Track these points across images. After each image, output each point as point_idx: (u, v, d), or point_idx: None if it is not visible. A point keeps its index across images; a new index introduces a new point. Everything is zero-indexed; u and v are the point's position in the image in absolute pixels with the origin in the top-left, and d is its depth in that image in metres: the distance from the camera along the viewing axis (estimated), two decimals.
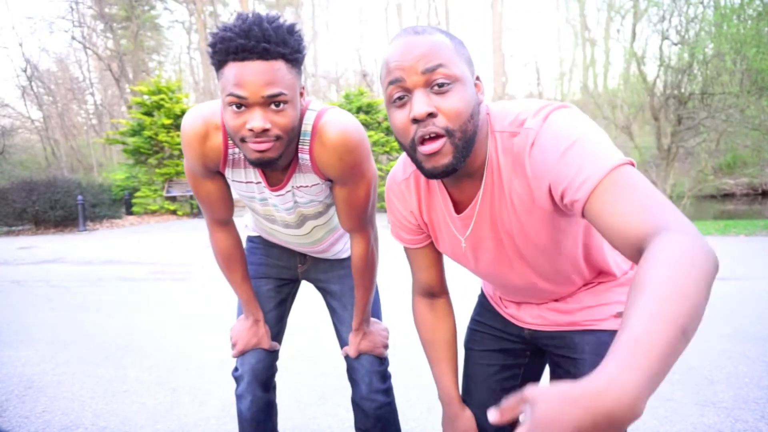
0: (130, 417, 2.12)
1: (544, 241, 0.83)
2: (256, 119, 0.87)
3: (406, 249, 1.04)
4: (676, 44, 11.88)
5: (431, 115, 0.71)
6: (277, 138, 0.91)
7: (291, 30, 0.90)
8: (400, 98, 0.74)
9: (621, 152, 0.69)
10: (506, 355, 1.11)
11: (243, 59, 0.85)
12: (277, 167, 1.05)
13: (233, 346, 1.29)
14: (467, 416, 1.08)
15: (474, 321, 1.18)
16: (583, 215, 0.68)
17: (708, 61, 10.62)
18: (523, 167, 0.76)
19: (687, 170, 12.54)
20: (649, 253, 0.54)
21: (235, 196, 1.21)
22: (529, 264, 0.89)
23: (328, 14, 36.00)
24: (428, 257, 1.03)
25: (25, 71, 23.23)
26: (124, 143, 13.26)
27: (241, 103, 0.87)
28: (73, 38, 22.77)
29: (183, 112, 13.00)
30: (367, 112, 12.39)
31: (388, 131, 12.50)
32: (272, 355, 1.34)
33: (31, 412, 2.19)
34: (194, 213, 12.87)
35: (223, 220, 1.21)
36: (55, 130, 25.10)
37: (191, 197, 12.97)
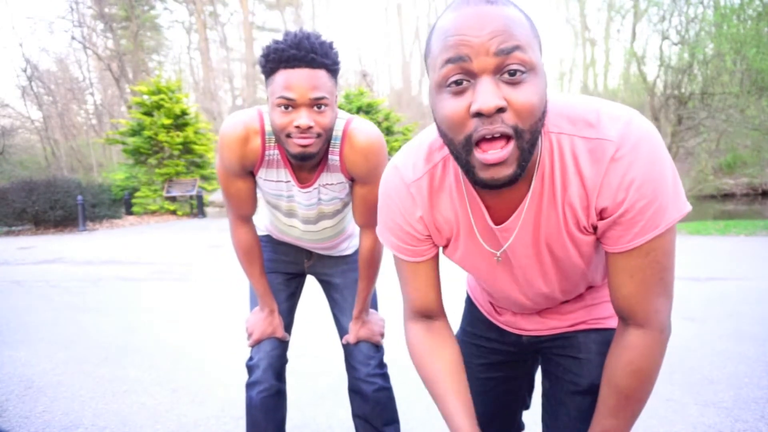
0: (130, 417, 2.12)
1: (585, 251, 0.76)
2: (303, 118, 1.02)
3: (400, 264, 0.86)
4: (676, 44, 11.88)
5: (500, 109, 0.57)
6: (318, 135, 1.05)
7: (331, 46, 1.07)
8: (457, 83, 0.59)
9: (682, 192, 0.67)
10: (507, 368, 1.06)
11: (293, 67, 1.01)
12: (306, 167, 1.19)
13: (249, 336, 1.38)
14: None
15: (467, 333, 1.10)
16: (602, 243, 0.73)
17: (708, 61, 10.63)
18: (590, 176, 0.66)
19: (687, 170, 12.55)
20: (617, 352, 0.77)
21: (258, 195, 1.33)
22: (560, 277, 0.81)
23: (328, 14, 36.01)
24: (428, 275, 0.86)
25: (25, 71, 23.27)
26: (123, 143, 13.26)
27: (289, 104, 1.02)
28: (73, 38, 22.81)
29: (183, 112, 13.02)
30: (367, 112, 12.39)
31: (388, 132, 12.51)
32: (284, 344, 1.42)
33: (31, 412, 2.19)
34: (194, 213, 12.87)
35: (246, 216, 1.33)
36: (54, 130, 25.11)
37: (191, 197, 12.97)
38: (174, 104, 12.82)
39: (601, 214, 0.68)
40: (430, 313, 0.89)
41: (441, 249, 0.88)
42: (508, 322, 1.00)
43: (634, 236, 0.66)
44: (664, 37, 11.72)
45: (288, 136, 1.04)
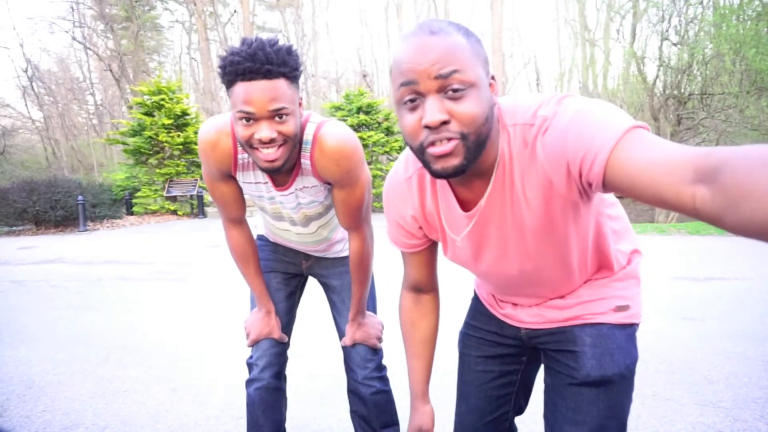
0: (131, 417, 2.12)
1: (558, 235, 0.82)
2: (264, 130, 1.02)
3: (400, 250, 1.05)
4: (675, 44, 11.89)
5: (444, 122, 0.69)
6: (284, 142, 1.05)
7: (289, 51, 1.04)
8: (411, 100, 0.72)
9: (619, 119, 0.67)
10: (503, 362, 1.09)
11: (250, 79, 1.00)
12: (282, 171, 1.16)
13: (247, 336, 1.40)
14: (426, 411, 1.10)
15: (468, 325, 1.16)
16: (604, 181, 0.66)
17: (707, 61, 10.63)
18: (536, 155, 0.75)
19: None
20: (730, 153, 0.49)
21: (246, 197, 1.33)
22: (537, 261, 0.87)
23: (328, 14, 36.02)
24: (422, 259, 1.04)
25: (25, 71, 23.25)
26: (124, 143, 13.26)
27: (250, 117, 1.02)
28: (74, 38, 22.77)
29: (183, 113, 13.01)
30: (367, 113, 12.38)
31: (388, 131, 12.49)
32: (284, 344, 1.44)
33: (32, 411, 2.20)
34: (194, 213, 12.87)
35: (236, 218, 1.34)
36: (55, 131, 25.10)
37: (191, 197, 12.98)
38: (174, 104, 12.81)
39: (581, 171, 0.69)
40: (420, 287, 1.08)
41: (442, 252, 0.99)
42: (508, 314, 1.05)
43: (603, 143, 0.65)
44: (664, 38, 11.73)
45: (252, 147, 1.05)
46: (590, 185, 0.70)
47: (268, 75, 1.00)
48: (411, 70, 0.70)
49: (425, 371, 1.10)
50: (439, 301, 1.12)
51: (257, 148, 1.04)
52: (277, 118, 1.03)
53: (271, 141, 1.03)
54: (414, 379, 1.10)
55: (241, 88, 1.00)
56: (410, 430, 1.09)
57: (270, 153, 1.04)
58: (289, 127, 1.05)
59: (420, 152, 0.74)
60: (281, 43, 1.04)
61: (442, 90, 0.69)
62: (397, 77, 0.72)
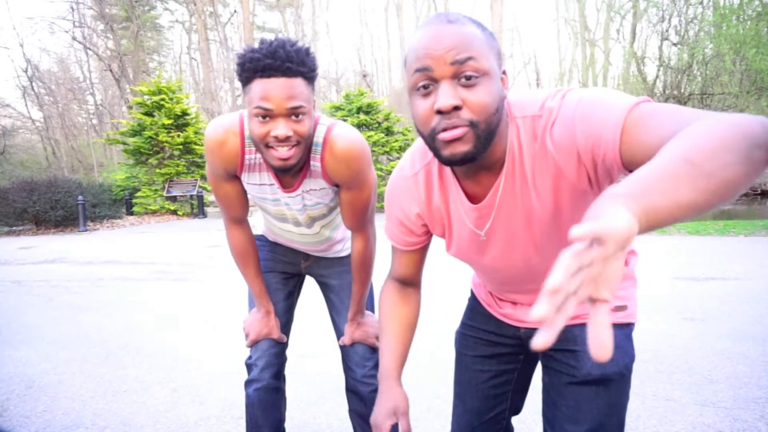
0: (131, 417, 2.12)
1: (566, 225, 0.83)
2: (280, 128, 1.02)
3: (393, 246, 1.03)
4: (675, 45, 11.90)
5: (456, 107, 0.70)
6: (297, 143, 1.06)
7: (308, 52, 1.05)
8: (425, 87, 0.72)
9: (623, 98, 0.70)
10: (500, 361, 1.09)
11: (269, 76, 1.00)
12: (292, 171, 1.17)
13: (246, 336, 1.40)
14: (401, 393, 0.99)
15: (465, 326, 1.16)
16: (622, 161, 0.67)
17: (707, 61, 10.65)
18: (546, 146, 0.76)
19: None
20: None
21: (248, 197, 1.33)
22: (543, 253, 0.87)
23: (328, 14, 36.02)
24: (414, 257, 1.03)
25: (26, 71, 23.29)
26: (124, 143, 13.27)
27: (267, 114, 1.02)
28: (74, 38, 22.79)
29: (183, 113, 13.03)
30: (367, 113, 12.37)
31: (388, 132, 12.49)
32: (283, 344, 1.45)
33: (32, 411, 2.20)
34: (194, 213, 12.88)
35: (238, 218, 1.34)
36: (55, 131, 25.12)
37: (191, 197, 12.98)
38: (174, 104, 12.82)
39: (594, 159, 0.71)
40: (406, 281, 1.07)
41: (445, 248, 0.98)
42: (507, 314, 1.05)
43: (613, 124, 0.67)
44: (664, 38, 11.75)
45: (267, 146, 1.05)
46: (609, 171, 0.71)
47: (288, 73, 1.00)
48: (427, 56, 0.71)
49: (401, 351, 1.02)
50: (420, 298, 1.10)
51: (272, 147, 1.04)
52: (293, 117, 1.03)
53: (287, 139, 1.03)
54: (388, 359, 1.00)
55: (259, 84, 1.00)
56: (383, 412, 0.95)
57: (284, 152, 1.04)
58: (305, 127, 1.05)
59: (431, 138, 0.74)
60: (300, 44, 1.05)
61: (456, 76, 0.70)
62: (412, 63, 0.73)
